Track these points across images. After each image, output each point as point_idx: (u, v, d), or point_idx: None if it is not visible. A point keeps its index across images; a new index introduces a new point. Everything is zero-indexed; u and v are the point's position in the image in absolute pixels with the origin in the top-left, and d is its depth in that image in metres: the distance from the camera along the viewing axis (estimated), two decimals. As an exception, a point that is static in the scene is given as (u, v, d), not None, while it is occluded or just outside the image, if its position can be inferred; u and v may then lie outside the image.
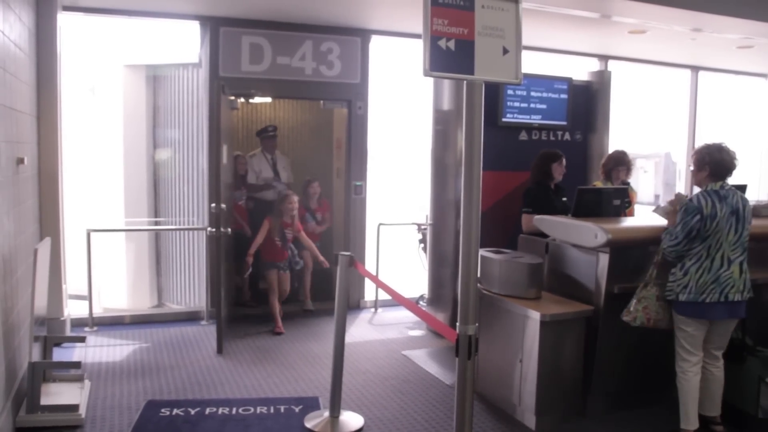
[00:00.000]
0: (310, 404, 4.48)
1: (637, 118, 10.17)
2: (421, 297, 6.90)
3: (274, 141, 7.22)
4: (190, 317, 6.62)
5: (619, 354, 4.35)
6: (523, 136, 6.22)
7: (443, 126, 6.20)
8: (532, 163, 5.59)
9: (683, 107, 9.08)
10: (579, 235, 4.36)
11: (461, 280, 2.55)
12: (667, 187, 14.77)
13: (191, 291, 7.22)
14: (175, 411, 4.30)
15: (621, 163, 5.60)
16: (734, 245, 3.80)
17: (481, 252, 4.52)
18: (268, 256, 6.33)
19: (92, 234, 6.14)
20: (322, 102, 7.14)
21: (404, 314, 6.73)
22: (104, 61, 7.59)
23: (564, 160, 5.50)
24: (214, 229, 5.62)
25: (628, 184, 5.72)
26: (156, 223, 7.47)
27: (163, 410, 4.31)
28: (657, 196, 15.27)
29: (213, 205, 5.64)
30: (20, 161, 4.42)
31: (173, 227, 7.33)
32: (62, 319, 5.72)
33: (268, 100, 7.71)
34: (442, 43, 2.46)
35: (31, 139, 5.19)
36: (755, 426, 4.06)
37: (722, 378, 4.00)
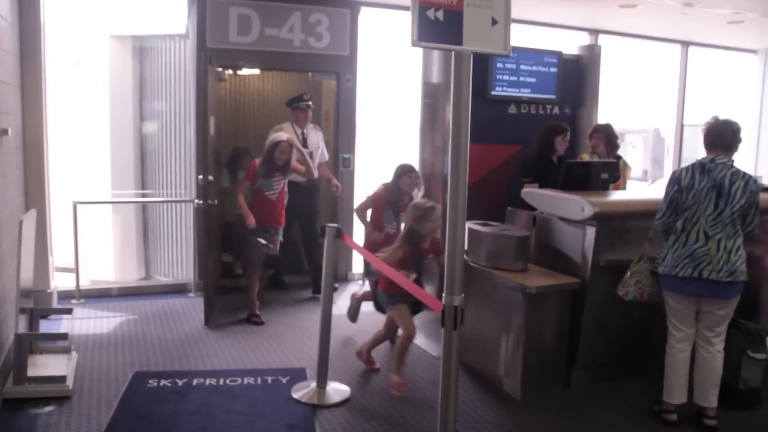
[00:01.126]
0: (298, 375, 4.51)
1: (627, 93, 10.16)
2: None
3: (307, 113, 6.52)
4: (178, 289, 6.63)
5: (605, 326, 4.39)
6: (512, 109, 6.20)
7: (432, 99, 6.16)
8: (537, 134, 5.60)
9: (673, 83, 9.08)
10: (566, 208, 4.37)
11: (448, 251, 2.56)
12: (656, 163, 14.82)
13: (179, 263, 7.20)
14: (162, 382, 4.32)
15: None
16: (713, 221, 3.66)
17: (469, 224, 4.53)
18: (393, 287, 4.34)
19: (78, 206, 6.11)
20: (310, 74, 7.07)
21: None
22: (90, 31, 7.48)
23: (568, 135, 5.52)
24: (201, 201, 5.60)
25: (619, 157, 5.73)
26: (143, 196, 7.43)
27: (150, 381, 4.33)
28: (645, 172, 15.31)
29: (200, 177, 5.61)
30: (3, 132, 4.37)
31: (160, 199, 7.29)
32: (49, 291, 5.70)
33: (256, 71, 7.63)
34: (431, 13, 2.44)
35: (15, 110, 5.12)
36: (737, 397, 4.12)
37: (716, 366, 3.81)
